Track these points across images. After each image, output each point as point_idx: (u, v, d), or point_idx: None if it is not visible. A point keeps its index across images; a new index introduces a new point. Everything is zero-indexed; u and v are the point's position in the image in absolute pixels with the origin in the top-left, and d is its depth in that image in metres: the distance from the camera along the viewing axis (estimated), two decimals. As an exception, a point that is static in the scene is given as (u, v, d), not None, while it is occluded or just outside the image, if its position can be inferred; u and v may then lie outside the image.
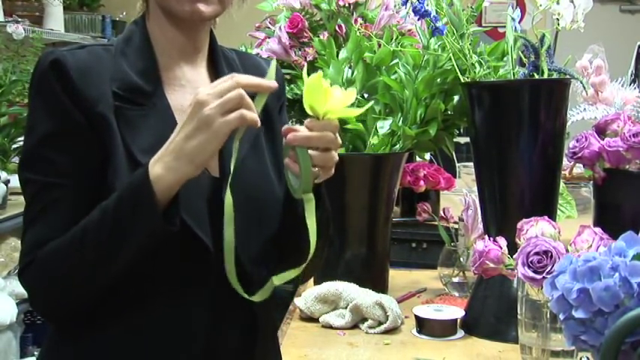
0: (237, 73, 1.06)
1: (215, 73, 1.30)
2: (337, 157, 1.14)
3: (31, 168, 1.16)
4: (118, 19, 4.99)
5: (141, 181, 1.06)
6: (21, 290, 2.83)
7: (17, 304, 2.79)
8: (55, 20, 4.30)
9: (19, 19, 3.73)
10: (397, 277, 1.98)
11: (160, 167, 1.06)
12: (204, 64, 1.30)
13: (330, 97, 1.08)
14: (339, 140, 1.13)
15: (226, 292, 1.21)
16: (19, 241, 3.03)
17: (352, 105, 1.11)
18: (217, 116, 1.04)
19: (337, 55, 1.83)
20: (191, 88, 1.25)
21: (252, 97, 1.10)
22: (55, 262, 1.12)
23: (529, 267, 1.16)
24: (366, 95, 1.82)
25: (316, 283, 1.77)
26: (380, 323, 1.58)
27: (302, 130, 1.10)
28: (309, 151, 1.10)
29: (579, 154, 1.44)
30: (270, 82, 1.08)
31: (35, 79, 1.17)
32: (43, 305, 1.19)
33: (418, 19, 1.57)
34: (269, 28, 2.01)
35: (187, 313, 1.18)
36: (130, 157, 1.14)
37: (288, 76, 1.87)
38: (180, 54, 1.25)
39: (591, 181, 1.49)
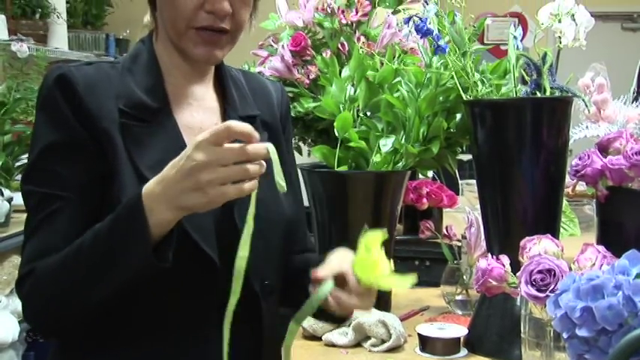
0: (234, 124, 1.01)
1: (222, 91, 1.31)
2: (370, 306, 1.21)
3: (32, 180, 1.17)
4: (121, 37, 5.03)
5: (135, 212, 1.05)
6: (23, 308, 2.82)
7: (19, 322, 2.78)
8: (59, 38, 4.33)
9: (24, 38, 3.76)
10: (400, 295, 1.97)
11: (157, 205, 1.04)
12: (211, 83, 1.31)
13: (378, 272, 1.11)
14: (373, 300, 1.19)
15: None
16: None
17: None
18: (215, 185, 1.00)
19: (340, 73, 1.84)
20: (198, 107, 1.27)
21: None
22: (49, 277, 1.12)
23: (532, 285, 1.16)
24: (368, 113, 1.82)
25: (319, 301, 1.77)
26: (383, 341, 1.58)
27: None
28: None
29: (582, 172, 1.43)
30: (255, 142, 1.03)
31: (41, 93, 1.18)
32: (34, 318, 1.18)
33: (420, 38, 1.57)
34: (272, 46, 2.02)
35: (193, 330, 1.18)
36: (137, 173, 1.14)
37: (291, 94, 1.88)
38: (187, 76, 1.26)
39: (594, 199, 1.49)
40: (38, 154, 1.16)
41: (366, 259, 1.10)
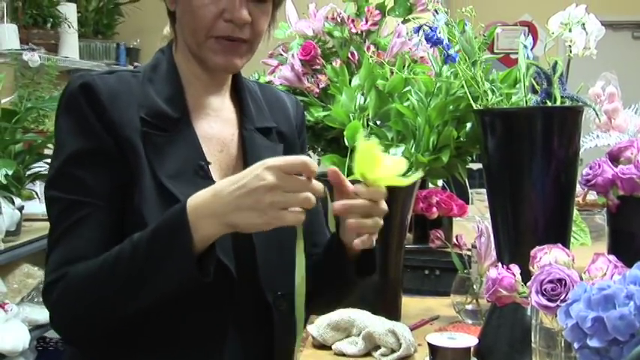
0: (310, 162, 1.05)
1: (239, 102, 1.31)
2: (381, 223, 1.15)
3: (57, 186, 1.17)
4: (132, 46, 5.05)
5: (179, 226, 1.05)
6: (34, 317, 2.83)
7: (30, 330, 2.79)
8: (70, 48, 4.35)
9: (35, 47, 3.78)
10: (410, 304, 1.97)
11: (203, 219, 1.04)
12: (228, 93, 1.32)
13: (381, 166, 1.09)
14: (385, 207, 1.14)
15: (246, 318, 1.21)
16: (33, 268, 3.04)
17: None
18: (277, 208, 1.02)
19: (350, 82, 1.84)
20: (215, 117, 1.28)
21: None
22: (82, 286, 1.12)
23: (543, 295, 1.16)
24: (378, 122, 1.82)
25: (328, 310, 1.77)
26: (393, 351, 1.57)
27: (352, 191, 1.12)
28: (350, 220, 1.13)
29: (593, 182, 1.43)
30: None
31: (64, 100, 1.19)
32: (63, 325, 1.18)
33: (430, 47, 1.57)
34: (282, 55, 2.03)
35: (209, 340, 1.18)
36: (157, 181, 1.15)
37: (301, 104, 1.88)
38: (206, 87, 1.27)
39: (605, 208, 1.48)
40: (64, 160, 1.17)
41: (366, 154, 1.09)
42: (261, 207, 1.01)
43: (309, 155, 1.96)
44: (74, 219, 1.15)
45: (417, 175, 1.20)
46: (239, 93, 1.32)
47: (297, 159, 1.03)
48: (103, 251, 1.13)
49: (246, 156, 1.27)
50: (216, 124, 1.27)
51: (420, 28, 1.54)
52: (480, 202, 2.97)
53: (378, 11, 1.95)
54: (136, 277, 1.08)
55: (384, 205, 1.14)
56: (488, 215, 1.58)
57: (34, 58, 3.55)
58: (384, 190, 1.12)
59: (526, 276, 1.25)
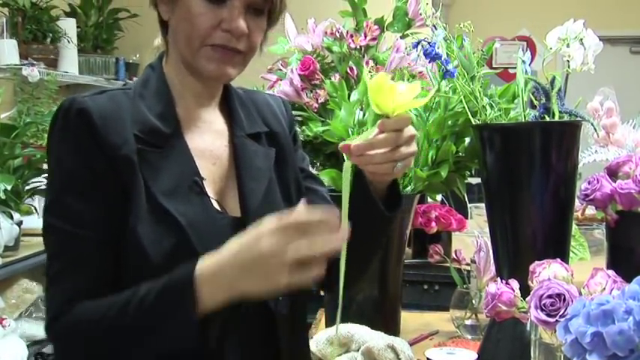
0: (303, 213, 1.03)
1: (228, 110, 1.32)
2: (414, 148, 1.15)
3: (55, 214, 1.17)
4: (131, 61, 5.06)
5: (185, 297, 1.06)
6: (32, 332, 2.82)
7: (28, 346, 2.78)
8: (70, 63, 4.36)
9: (35, 62, 3.78)
10: (409, 319, 1.97)
11: (213, 288, 1.05)
12: (218, 104, 1.32)
13: (396, 93, 1.09)
14: (413, 131, 1.14)
15: (249, 330, 1.21)
16: (31, 283, 3.02)
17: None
18: (285, 272, 1.01)
19: (349, 97, 1.84)
20: (207, 129, 1.28)
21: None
22: (88, 329, 1.13)
23: (542, 310, 1.15)
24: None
25: (328, 325, 1.76)
26: (392, 366, 1.57)
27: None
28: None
29: (591, 196, 1.43)
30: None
31: (58, 125, 1.18)
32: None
33: (429, 62, 1.58)
34: (281, 70, 2.03)
35: (207, 354, 1.18)
36: (152, 199, 1.14)
37: (299, 118, 1.88)
38: (197, 98, 1.27)
39: (604, 223, 1.48)
40: (61, 188, 1.16)
41: (379, 87, 1.09)
42: (268, 273, 1.02)
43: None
44: (72, 254, 1.15)
45: (432, 92, 1.21)
46: (229, 102, 1.32)
47: (290, 219, 1.02)
48: (103, 286, 1.14)
49: (238, 162, 1.27)
50: (209, 137, 1.27)
51: (418, 43, 1.54)
52: (478, 216, 2.97)
53: (376, 26, 1.96)
54: (137, 329, 1.10)
55: (411, 131, 1.14)
56: (487, 230, 1.58)
57: (33, 73, 3.56)
58: (410, 115, 1.14)
59: (525, 291, 1.24)
